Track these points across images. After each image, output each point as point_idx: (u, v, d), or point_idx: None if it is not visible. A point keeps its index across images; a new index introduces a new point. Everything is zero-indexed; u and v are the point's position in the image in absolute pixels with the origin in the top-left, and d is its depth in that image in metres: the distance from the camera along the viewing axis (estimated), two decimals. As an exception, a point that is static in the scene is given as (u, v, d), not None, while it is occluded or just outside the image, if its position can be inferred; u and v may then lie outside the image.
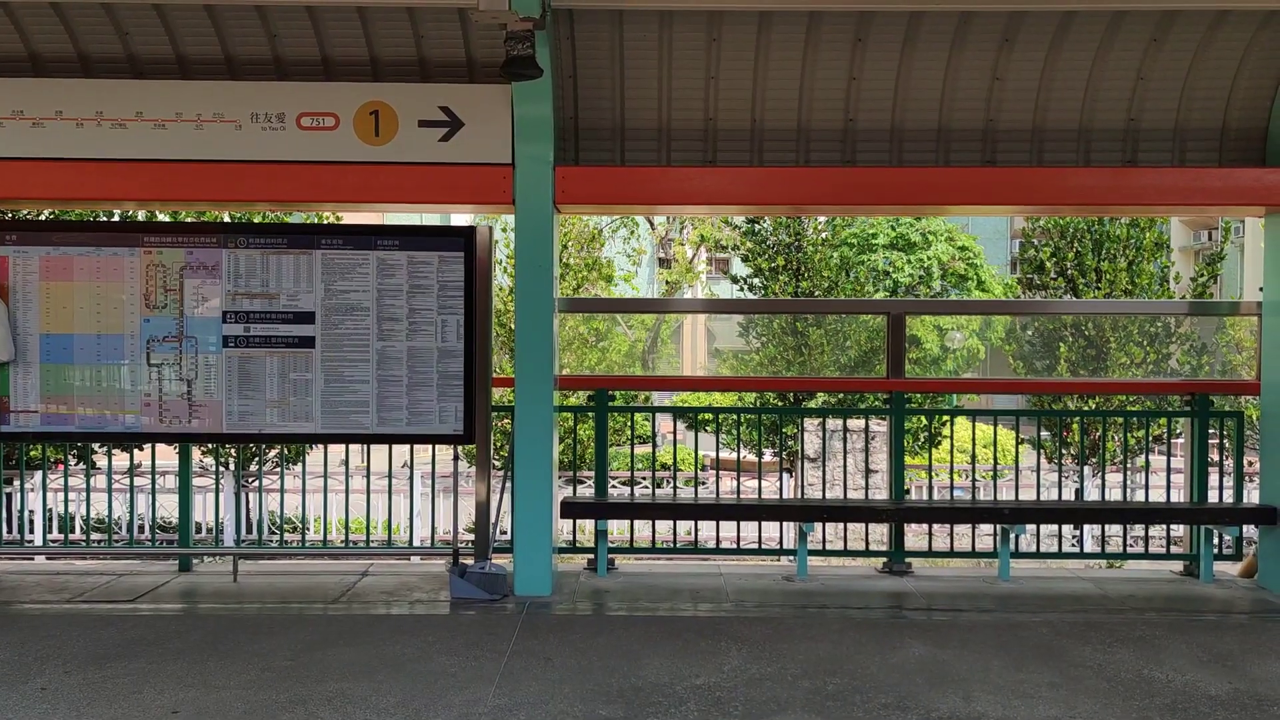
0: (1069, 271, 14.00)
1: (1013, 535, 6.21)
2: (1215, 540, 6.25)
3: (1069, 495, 9.56)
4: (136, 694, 4.11)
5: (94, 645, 4.75)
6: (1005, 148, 5.97)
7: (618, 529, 8.59)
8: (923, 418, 11.53)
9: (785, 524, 6.89)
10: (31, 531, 8.19)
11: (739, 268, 18.65)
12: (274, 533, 9.50)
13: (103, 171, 5.66)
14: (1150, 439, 12.38)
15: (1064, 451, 12.89)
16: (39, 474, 8.48)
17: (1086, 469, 10.20)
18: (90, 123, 5.65)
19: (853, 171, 5.90)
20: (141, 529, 8.51)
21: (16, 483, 7.05)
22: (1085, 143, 5.98)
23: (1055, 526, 7.30)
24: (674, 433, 7.38)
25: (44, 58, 5.85)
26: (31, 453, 6.91)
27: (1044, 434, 12.29)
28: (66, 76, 5.79)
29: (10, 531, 6.97)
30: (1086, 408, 13.21)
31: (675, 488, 7.18)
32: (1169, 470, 7.19)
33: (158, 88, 5.71)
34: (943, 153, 5.96)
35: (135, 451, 7.31)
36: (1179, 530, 7.15)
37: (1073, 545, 9.54)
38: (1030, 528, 6.39)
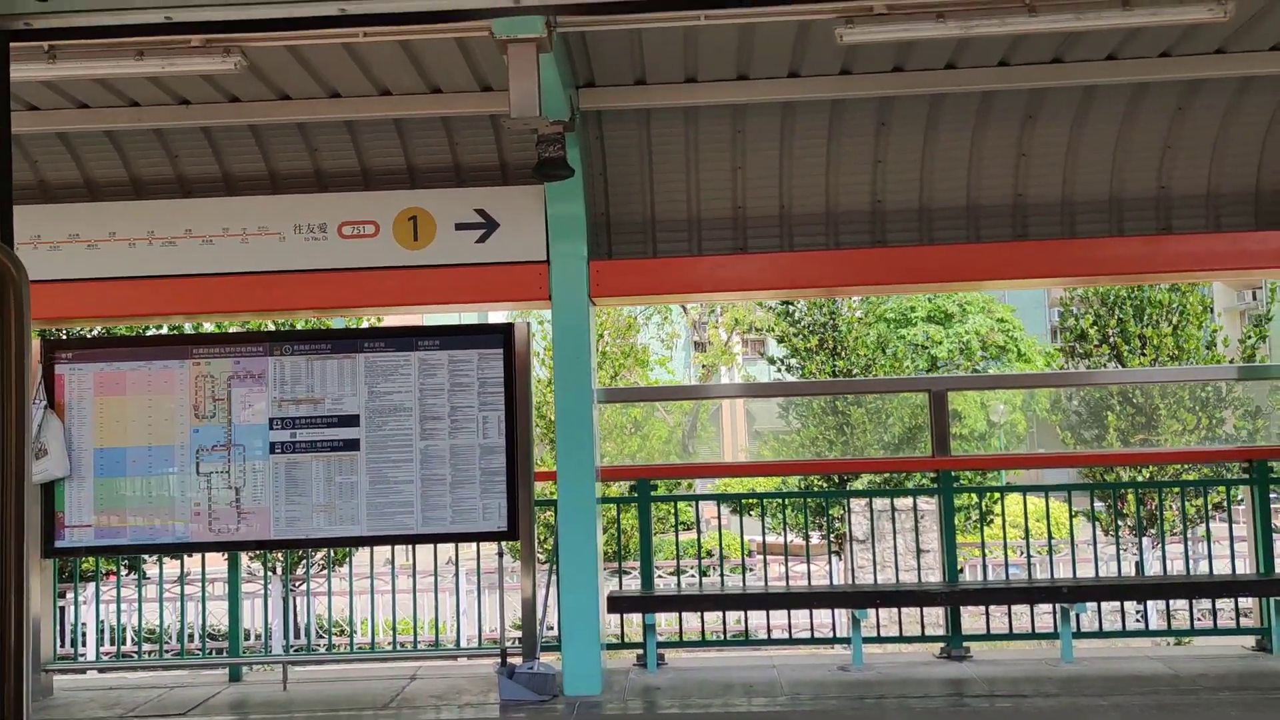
0: (1112, 339, 13.83)
1: (1073, 614, 6.01)
2: (1288, 612, 5.99)
3: (1129, 569, 9.27)
4: (188, 810, 4.07)
5: (146, 760, 4.73)
6: (1036, 220, 5.99)
7: (665, 620, 8.45)
8: (973, 495, 11.31)
9: (838, 610, 6.74)
10: (84, 644, 8.25)
11: (775, 348, 18.65)
12: (322, 636, 9.46)
13: (155, 288, 5.86)
14: (1210, 507, 12.01)
15: (1120, 524, 12.55)
16: (90, 585, 8.58)
17: (1145, 541, 9.91)
18: (142, 242, 5.87)
19: (883, 252, 5.94)
20: (191, 637, 8.52)
21: (69, 595, 7.12)
22: (1117, 212, 5.98)
23: (1118, 603, 7.07)
24: (718, 519, 7.31)
25: (99, 182, 6.12)
26: (84, 565, 7.00)
27: (1098, 505, 11.99)
28: (120, 199, 6.05)
29: (63, 645, 7.02)
30: (1140, 477, 12.90)
31: (723, 576, 7.07)
32: (1232, 539, 6.96)
33: (205, 205, 5.95)
34: (973, 229, 5.99)
35: (185, 558, 7.39)
36: (1248, 602, 6.88)
37: (1137, 622, 9.20)
38: (1091, 605, 6.20)
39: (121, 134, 5.93)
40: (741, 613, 6.65)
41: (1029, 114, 5.79)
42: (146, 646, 8.33)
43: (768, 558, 7.21)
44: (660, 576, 7.34)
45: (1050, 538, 6.97)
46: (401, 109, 5.66)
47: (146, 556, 7.51)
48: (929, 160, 5.91)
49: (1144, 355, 13.55)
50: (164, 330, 10.73)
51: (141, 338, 6.50)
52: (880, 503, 9.50)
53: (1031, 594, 6.25)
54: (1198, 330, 13.94)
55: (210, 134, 5.93)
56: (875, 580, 6.79)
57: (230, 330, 10.46)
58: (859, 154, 5.92)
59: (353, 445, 5.80)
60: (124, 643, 8.43)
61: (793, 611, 6.53)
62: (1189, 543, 6.71)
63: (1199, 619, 7.44)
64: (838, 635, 6.76)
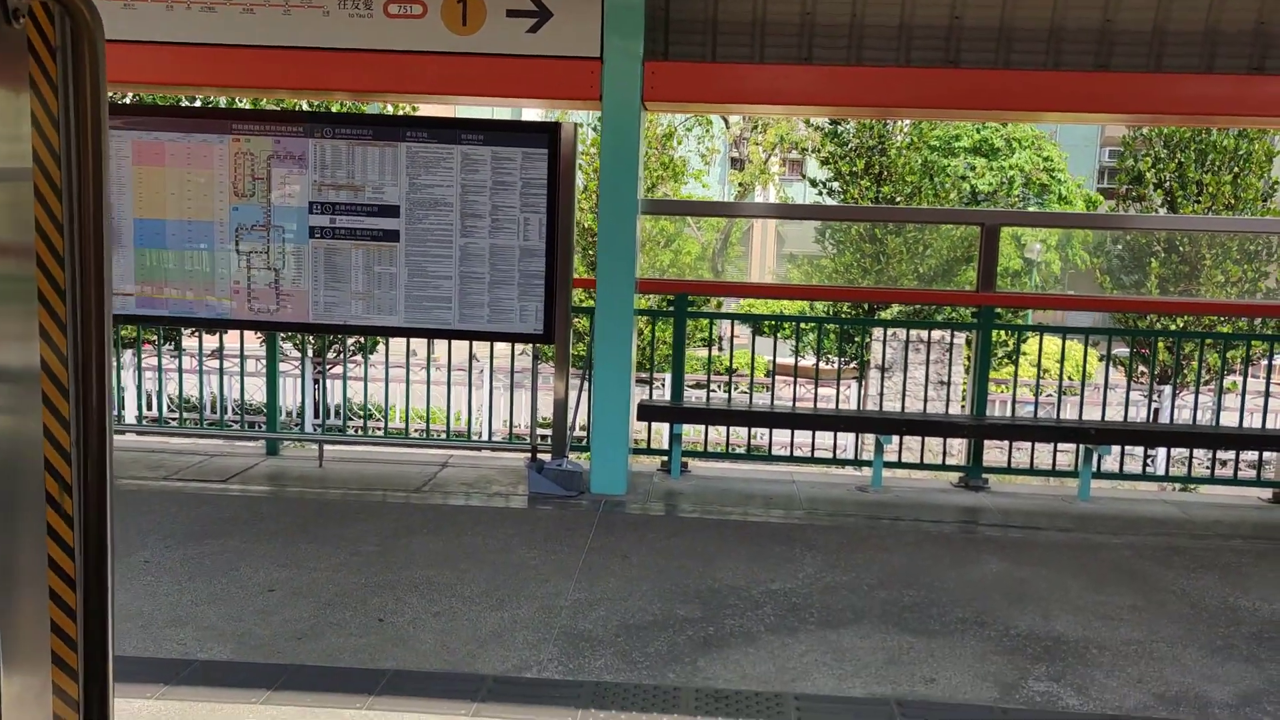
0: (1168, 184, 13.35)
1: (1096, 455, 6.08)
2: (1309, 469, 6.05)
3: (1150, 416, 9.32)
4: (234, 571, 4.29)
5: (192, 522, 4.96)
6: (1122, 50, 5.60)
7: (688, 432, 8.63)
8: (1004, 332, 11.25)
9: (860, 434, 6.83)
10: (121, 408, 8.51)
11: (815, 170, 18.14)
12: (351, 420, 9.74)
13: (191, 56, 5.65)
14: (1241, 360, 11.94)
15: (1149, 371, 12.52)
16: (128, 352, 8.75)
17: (1170, 389, 9.90)
18: (180, 5, 5.62)
19: (957, 73, 5.61)
20: (225, 410, 8.79)
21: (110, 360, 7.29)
22: (1210, 47, 5.58)
23: (1135, 448, 7.13)
24: (751, 339, 7.31)
25: (133, -63, 5.79)
26: (122, 332, 7.12)
27: (1126, 351, 11.93)
28: (155, -43, 5.74)
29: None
30: (1173, 326, 12.77)
31: (751, 393, 7.15)
32: (1268, 394, 6.92)
33: (245, -30, 5.64)
34: (1053, 55, 5.62)
35: (222, 335, 7.51)
36: (1268, 455, 6.90)
37: (1149, 467, 9.33)
38: (1115, 448, 6.25)
39: (156, -116, 5.56)
40: (764, 430, 6.75)
41: (1132, -72, 5.31)
42: (185, 416, 8.62)
43: (796, 378, 7.25)
44: (686, 389, 7.43)
45: (1083, 381, 6.95)
46: (455, -124, 5.25)
47: (183, 330, 7.64)
48: (1017, -27, 5.47)
49: (1199, 202, 13.12)
50: (196, 103, 10.49)
51: (180, 108, 6.33)
52: (906, 334, 9.46)
53: (1059, 433, 6.29)
54: (1258, 180, 13.42)
55: (249, -109, 5.55)
56: (902, 408, 6.84)
57: (267, 108, 10.26)
58: (943, -39, 5.49)
59: (392, 236, 5.75)
60: (162, 410, 8.71)
61: (816, 434, 6.62)
62: (1220, 394, 6.68)
63: (1217, 469, 7.51)
64: (857, 458, 6.88)
